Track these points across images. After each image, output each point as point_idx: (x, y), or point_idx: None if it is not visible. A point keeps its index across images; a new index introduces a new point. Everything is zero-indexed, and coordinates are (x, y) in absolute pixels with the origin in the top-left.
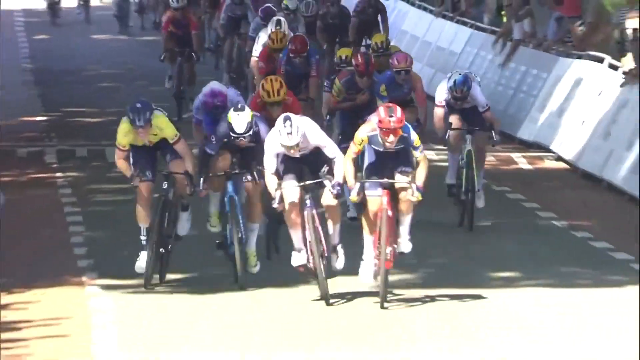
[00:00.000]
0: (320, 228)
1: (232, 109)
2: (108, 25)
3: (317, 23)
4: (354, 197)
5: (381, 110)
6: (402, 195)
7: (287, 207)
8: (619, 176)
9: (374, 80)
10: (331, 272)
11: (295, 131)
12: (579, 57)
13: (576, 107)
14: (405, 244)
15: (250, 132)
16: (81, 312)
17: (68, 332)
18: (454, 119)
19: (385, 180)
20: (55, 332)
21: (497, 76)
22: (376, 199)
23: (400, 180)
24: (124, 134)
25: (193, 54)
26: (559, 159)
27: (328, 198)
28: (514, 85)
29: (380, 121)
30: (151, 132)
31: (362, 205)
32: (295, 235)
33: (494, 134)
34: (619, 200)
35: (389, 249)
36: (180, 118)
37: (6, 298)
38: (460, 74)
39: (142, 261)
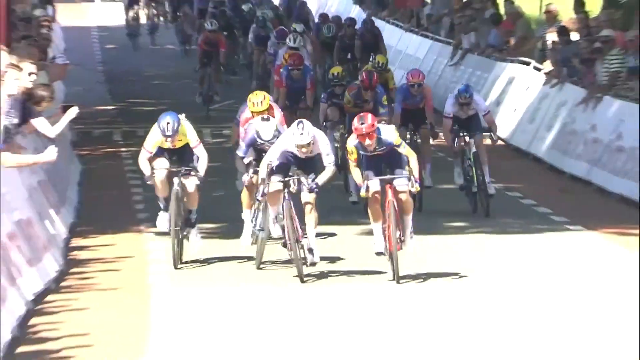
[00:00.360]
0: (296, 218)
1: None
2: (160, 38)
3: (335, 43)
4: (363, 193)
5: (355, 120)
6: (402, 196)
7: (270, 193)
8: (542, 150)
9: (376, 92)
10: (309, 263)
11: (306, 133)
12: (512, 61)
13: (509, 99)
14: (409, 242)
15: (275, 140)
16: (139, 252)
17: (129, 267)
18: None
19: (388, 176)
20: (119, 267)
21: (450, 76)
22: (375, 184)
23: (399, 180)
24: (154, 140)
25: (221, 67)
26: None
27: (305, 196)
28: (463, 82)
29: (355, 129)
30: (177, 139)
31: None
32: (274, 211)
33: (492, 134)
34: (542, 168)
35: (397, 233)
36: (207, 113)
37: (82, 242)
38: (462, 85)
39: (160, 220)
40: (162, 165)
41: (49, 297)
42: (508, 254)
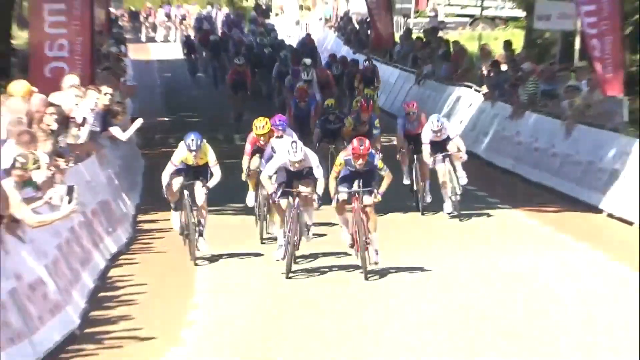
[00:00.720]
0: (298, 225)
1: (274, 138)
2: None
3: (344, 78)
4: (334, 205)
5: (354, 141)
6: (368, 209)
7: (280, 210)
8: (480, 150)
9: (371, 116)
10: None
11: (299, 151)
12: (459, 85)
13: (457, 113)
14: (373, 255)
15: None
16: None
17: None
18: (438, 163)
19: (355, 189)
20: (172, 235)
21: (414, 95)
22: (344, 194)
23: (365, 196)
24: (180, 155)
25: (247, 93)
26: None
27: (311, 204)
28: (423, 101)
29: (353, 149)
30: (200, 156)
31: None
32: (280, 234)
33: (462, 153)
34: (480, 163)
35: (363, 237)
36: (238, 132)
37: (145, 217)
38: (433, 116)
39: (175, 220)
40: (178, 181)
41: (121, 257)
42: (456, 226)
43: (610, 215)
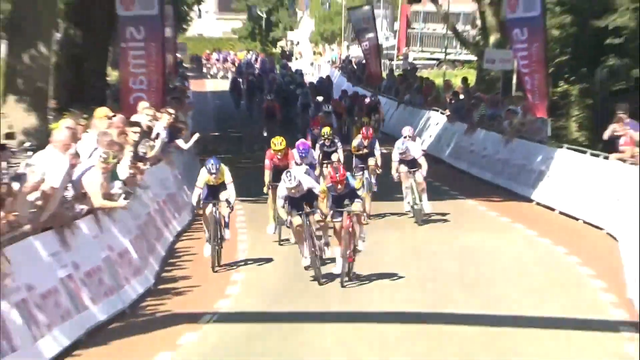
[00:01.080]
0: (316, 240)
1: (293, 165)
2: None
3: (354, 108)
4: (328, 219)
5: (330, 169)
6: (356, 207)
7: (295, 228)
8: (444, 156)
9: (371, 141)
10: (322, 260)
11: (293, 179)
12: (429, 109)
13: (428, 130)
14: (361, 244)
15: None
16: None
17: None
18: (402, 168)
19: (347, 208)
20: None
21: (397, 117)
22: (338, 222)
23: (355, 207)
24: (203, 178)
25: (277, 122)
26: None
27: (317, 219)
28: (403, 121)
29: (331, 177)
30: (218, 176)
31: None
32: (301, 247)
33: (423, 170)
34: (444, 166)
35: (348, 251)
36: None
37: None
38: (399, 141)
39: (206, 250)
40: (209, 207)
41: (184, 234)
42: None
43: (538, 204)
